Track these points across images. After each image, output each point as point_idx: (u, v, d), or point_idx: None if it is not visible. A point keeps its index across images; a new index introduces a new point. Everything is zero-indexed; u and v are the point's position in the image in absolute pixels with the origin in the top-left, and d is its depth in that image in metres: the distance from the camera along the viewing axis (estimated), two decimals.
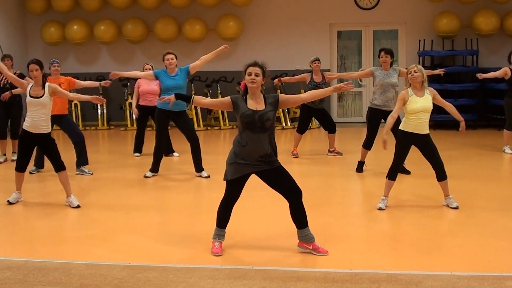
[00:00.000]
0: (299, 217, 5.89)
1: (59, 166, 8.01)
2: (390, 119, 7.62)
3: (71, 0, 16.86)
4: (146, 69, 11.37)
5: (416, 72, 7.34)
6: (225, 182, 5.94)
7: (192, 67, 9.63)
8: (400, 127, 7.51)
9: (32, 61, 8.01)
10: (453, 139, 13.41)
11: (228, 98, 5.88)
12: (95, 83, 10.27)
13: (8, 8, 16.76)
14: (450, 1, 15.73)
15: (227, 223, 6.04)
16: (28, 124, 7.89)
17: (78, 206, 7.89)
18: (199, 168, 9.72)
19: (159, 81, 9.75)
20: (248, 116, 5.70)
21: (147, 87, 11.39)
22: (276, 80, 11.37)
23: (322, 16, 16.53)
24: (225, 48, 9.54)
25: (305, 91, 11.99)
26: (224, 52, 9.63)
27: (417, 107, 7.30)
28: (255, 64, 5.81)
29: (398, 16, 16.33)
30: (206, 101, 6.21)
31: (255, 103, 5.76)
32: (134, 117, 15.85)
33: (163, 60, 9.63)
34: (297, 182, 5.86)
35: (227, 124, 16.00)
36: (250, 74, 5.76)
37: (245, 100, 5.79)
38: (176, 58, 9.66)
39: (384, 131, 7.52)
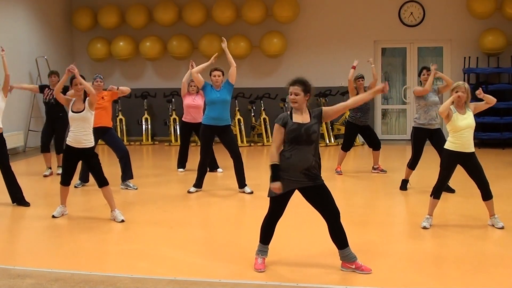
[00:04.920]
0: (338, 237, 5.88)
1: (101, 182, 8.10)
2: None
3: (117, 17, 17.17)
4: (191, 86, 11.47)
5: (463, 93, 7.28)
6: (269, 198, 5.96)
7: (229, 77, 9.66)
8: (445, 146, 7.45)
9: (73, 77, 8.08)
10: (498, 157, 13.24)
11: (276, 126, 5.80)
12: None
13: (55, 25, 17.09)
14: (496, 18, 15.54)
15: (271, 240, 6.06)
16: (71, 139, 8.01)
17: (123, 221, 7.96)
18: (242, 184, 9.76)
19: (203, 93, 9.81)
20: (294, 130, 5.71)
21: (191, 102, 11.43)
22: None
23: (366, 33, 16.48)
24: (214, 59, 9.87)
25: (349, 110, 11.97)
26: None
27: (461, 124, 7.25)
28: (293, 83, 5.83)
29: (443, 33, 16.19)
30: (274, 147, 5.84)
31: (301, 117, 5.79)
32: (178, 133, 16.01)
33: (210, 76, 9.68)
34: (341, 200, 5.88)
35: (271, 141, 16.00)
36: (290, 94, 5.81)
37: (291, 115, 5.83)
38: (223, 75, 9.71)
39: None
